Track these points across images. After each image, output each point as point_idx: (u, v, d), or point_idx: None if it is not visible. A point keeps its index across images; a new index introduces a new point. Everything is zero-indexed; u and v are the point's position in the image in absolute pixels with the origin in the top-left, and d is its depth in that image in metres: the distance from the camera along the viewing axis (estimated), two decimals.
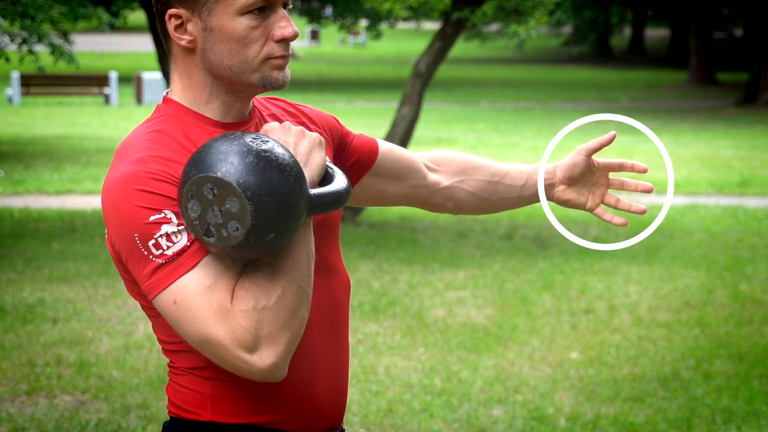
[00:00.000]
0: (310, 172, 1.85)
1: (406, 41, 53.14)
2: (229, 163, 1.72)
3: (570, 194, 2.37)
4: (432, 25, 47.79)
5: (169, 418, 2.01)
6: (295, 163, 1.77)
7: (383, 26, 43.13)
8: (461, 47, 41.62)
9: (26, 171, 13.66)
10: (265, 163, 1.72)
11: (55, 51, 14.79)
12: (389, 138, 10.89)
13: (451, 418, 5.20)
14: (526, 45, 43.47)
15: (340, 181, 1.87)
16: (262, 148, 1.74)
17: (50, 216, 10.46)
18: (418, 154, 2.33)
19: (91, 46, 41.23)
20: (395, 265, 8.45)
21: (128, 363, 5.89)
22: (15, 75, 24.08)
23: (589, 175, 2.39)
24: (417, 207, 2.36)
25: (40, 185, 12.56)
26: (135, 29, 52.18)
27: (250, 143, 1.74)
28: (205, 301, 1.76)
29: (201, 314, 1.76)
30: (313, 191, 1.81)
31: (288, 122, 1.91)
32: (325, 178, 1.89)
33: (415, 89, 10.84)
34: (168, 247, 1.80)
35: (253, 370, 1.76)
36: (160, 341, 1.96)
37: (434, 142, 18.09)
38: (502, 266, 8.48)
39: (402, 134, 10.85)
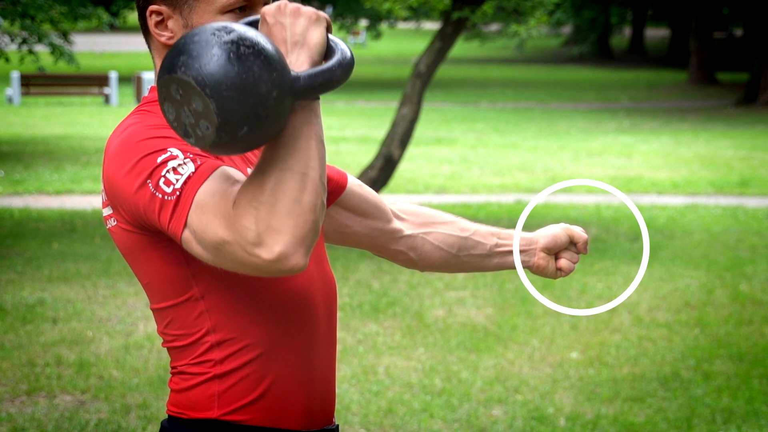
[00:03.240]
0: (309, 52, 1.79)
1: (406, 41, 53.15)
2: (189, 61, 1.66)
3: (546, 262, 2.35)
4: (432, 25, 47.79)
5: (167, 417, 2.01)
6: (264, 50, 1.69)
7: (383, 26, 43.17)
8: (461, 47, 41.62)
9: (26, 171, 13.66)
10: (225, 56, 1.65)
11: (55, 51, 14.79)
12: (389, 138, 10.89)
13: (451, 418, 5.20)
14: (526, 45, 43.47)
15: (335, 58, 1.78)
16: (224, 40, 1.67)
17: (50, 216, 10.46)
18: (387, 200, 2.32)
19: (91, 46, 41.26)
20: (395, 265, 8.45)
21: (128, 363, 5.89)
22: (15, 75, 24.08)
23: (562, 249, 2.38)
24: (378, 253, 2.32)
25: (40, 185, 12.57)
26: (135, 29, 52.18)
27: (211, 37, 1.68)
28: (211, 214, 1.75)
29: (210, 225, 1.75)
30: (299, 73, 1.73)
31: (285, 1, 1.84)
32: (329, 55, 1.81)
33: (415, 89, 10.84)
34: (177, 180, 1.79)
35: (265, 264, 1.72)
36: (170, 336, 1.96)
37: (434, 142, 18.09)
38: None
39: (402, 134, 10.85)
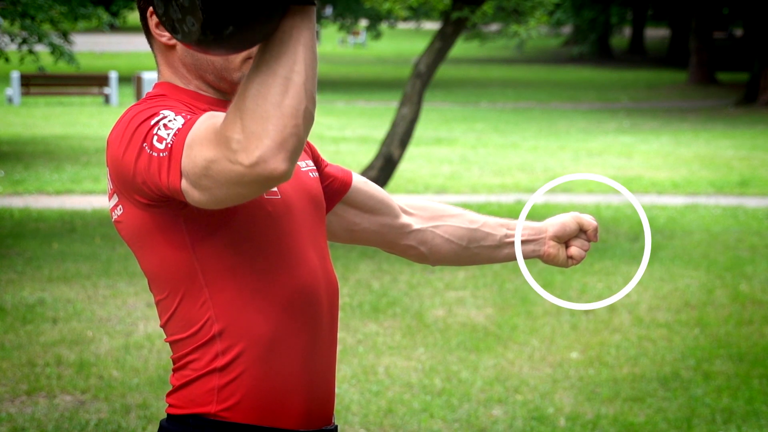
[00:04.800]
0: None
1: (406, 41, 53.15)
2: None
3: (557, 251, 2.35)
4: (432, 25, 47.81)
5: (166, 416, 2.01)
6: None
7: (383, 26, 43.17)
8: (461, 47, 41.64)
9: (26, 171, 13.66)
10: None
11: (55, 51, 14.79)
12: (389, 138, 10.89)
13: (451, 418, 5.20)
14: (526, 45, 43.49)
15: None
16: None
17: (50, 216, 10.46)
18: (394, 197, 2.33)
19: (91, 46, 41.26)
20: (395, 265, 8.45)
21: (128, 363, 5.89)
22: (15, 75, 24.08)
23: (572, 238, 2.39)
24: (388, 249, 2.32)
25: (40, 185, 12.57)
26: (135, 29, 52.17)
27: None
28: (198, 145, 1.75)
29: (198, 154, 1.75)
30: None
31: None
32: None
33: (415, 89, 10.84)
34: (168, 134, 1.81)
35: (246, 172, 1.69)
36: (174, 327, 1.96)
37: (434, 142, 18.09)
38: (502, 266, 8.48)
39: (402, 134, 10.85)
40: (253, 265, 1.94)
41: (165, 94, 1.97)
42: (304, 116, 1.69)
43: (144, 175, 1.83)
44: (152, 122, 1.83)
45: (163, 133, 1.81)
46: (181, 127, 1.80)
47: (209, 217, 1.91)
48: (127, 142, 1.85)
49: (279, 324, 1.96)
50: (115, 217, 1.96)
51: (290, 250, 1.98)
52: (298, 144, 1.69)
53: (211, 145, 1.72)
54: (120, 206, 1.93)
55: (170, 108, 1.88)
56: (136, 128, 1.84)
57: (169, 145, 1.79)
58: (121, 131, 1.87)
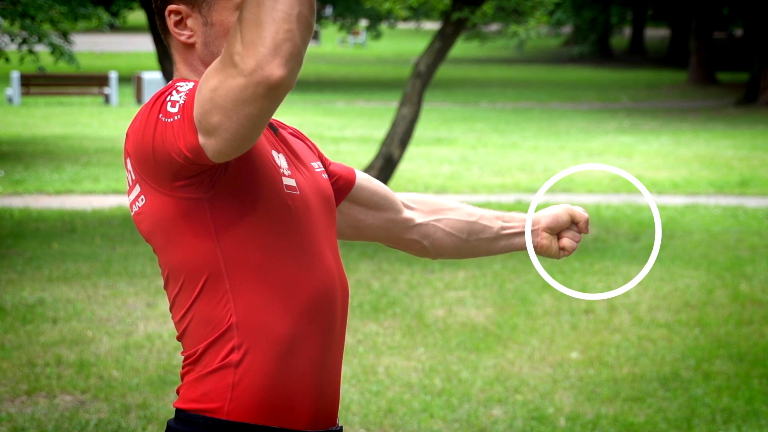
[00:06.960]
0: None
1: (406, 41, 53.14)
2: None
3: (549, 242, 2.37)
4: (432, 25, 47.79)
5: (175, 413, 1.99)
6: None
7: (383, 26, 43.17)
8: (461, 47, 41.63)
9: (26, 171, 13.66)
10: None
11: (55, 51, 14.79)
12: (389, 138, 10.89)
13: (451, 418, 5.20)
14: (526, 45, 43.48)
15: None
16: None
17: (50, 216, 10.46)
18: (395, 193, 2.36)
19: (91, 46, 41.23)
20: (395, 265, 8.45)
21: (128, 363, 5.89)
22: (15, 75, 24.08)
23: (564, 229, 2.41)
24: (392, 244, 2.35)
25: (40, 185, 12.57)
26: (135, 29, 52.17)
27: None
28: (205, 83, 1.76)
29: (204, 90, 1.76)
30: None
31: None
32: None
33: (415, 89, 10.83)
34: (180, 97, 1.83)
35: (246, 82, 1.70)
36: (190, 317, 1.95)
37: (434, 142, 18.09)
38: (502, 266, 8.49)
39: (402, 134, 10.85)
40: (275, 262, 1.94)
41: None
42: (298, 20, 1.69)
43: (165, 145, 1.84)
44: (166, 93, 1.86)
45: (175, 97, 1.83)
46: (192, 87, 1.83)
47: (233, 204, 1.91)
48: (144, 121, 1.87)
49: (298, 326, 1.96)
50: (135, 209, 1.95)
51: (309, 249, 1.99)
52: (293, 49, 1.69)
53: (216, 73, 1.73)
54: (142, 197, 1.93)
55: (185, 81, 1.91)
56: (152, 105, 1.86)
57: (182, 105, 1.81)
58: (139, 116, 1.89)
